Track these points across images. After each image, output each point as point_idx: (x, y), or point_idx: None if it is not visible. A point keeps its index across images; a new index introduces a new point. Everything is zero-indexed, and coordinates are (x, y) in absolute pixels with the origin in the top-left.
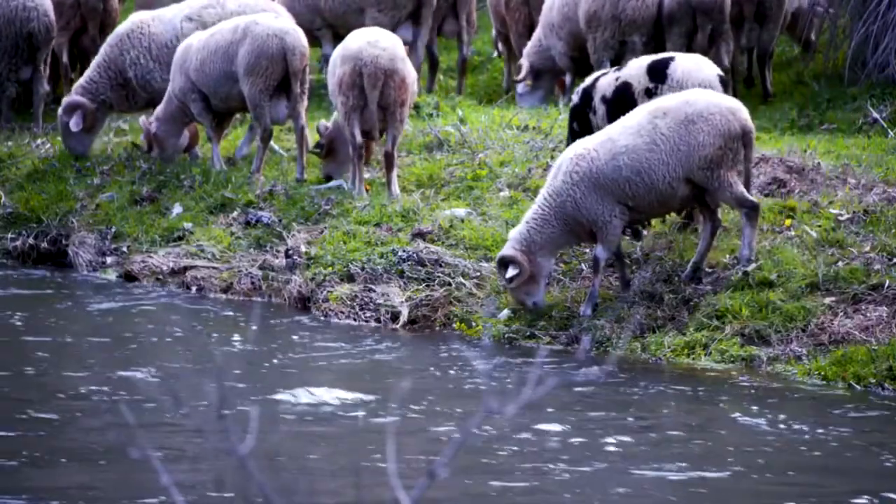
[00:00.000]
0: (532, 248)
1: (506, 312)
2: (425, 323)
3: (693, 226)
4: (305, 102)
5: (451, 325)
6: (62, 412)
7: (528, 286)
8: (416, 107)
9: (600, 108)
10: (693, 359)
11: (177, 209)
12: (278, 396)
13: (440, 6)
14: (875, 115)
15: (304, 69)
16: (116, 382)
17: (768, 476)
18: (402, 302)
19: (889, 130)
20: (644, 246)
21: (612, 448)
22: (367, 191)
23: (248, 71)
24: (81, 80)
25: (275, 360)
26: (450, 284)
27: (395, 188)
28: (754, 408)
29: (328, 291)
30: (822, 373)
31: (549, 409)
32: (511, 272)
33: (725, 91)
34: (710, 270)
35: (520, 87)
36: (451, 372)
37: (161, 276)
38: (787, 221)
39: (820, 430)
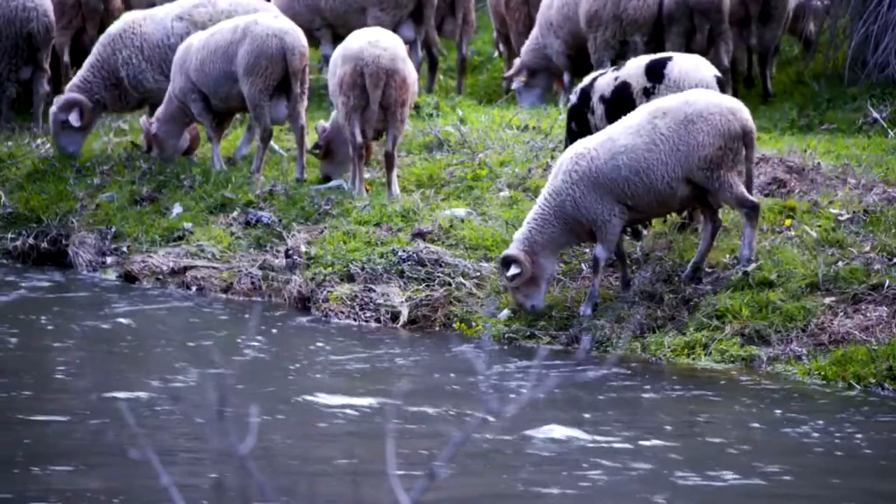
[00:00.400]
0: (535, 249)
1: (506, 312)
2: (425, 323)
3: (693, 226)
4: (305, 102)
5: (451, 325)
6: (62, 412)
7: (528, 288)
8: (416, 107)
9: (599, 108)
10: (693, 359)
11: (177, 209)
12: (278, 397)
13: (439, 6)
14: (875, 115)
15: (303, 69)
16: (116, 383)
17: (768, 476)
18: (402, 302)
19: (889, 130)
20: (644, 246)
21: (611, 448)
22: (367, 191)
23: (247, 71)
24: (75, 80)
25: (275, 361)
26: (450, 284)
27: (395, 188)
28: (754, 408)
29: (328, 291)
30: (822, 373)
31: (548, 410)
32: (512, 271)
33: (723, 92)
34: (710, 270)
35: (515, 83)
36: (452, 372)
37: (161, 276)
38: (787, 221)
39: (820, 430)
